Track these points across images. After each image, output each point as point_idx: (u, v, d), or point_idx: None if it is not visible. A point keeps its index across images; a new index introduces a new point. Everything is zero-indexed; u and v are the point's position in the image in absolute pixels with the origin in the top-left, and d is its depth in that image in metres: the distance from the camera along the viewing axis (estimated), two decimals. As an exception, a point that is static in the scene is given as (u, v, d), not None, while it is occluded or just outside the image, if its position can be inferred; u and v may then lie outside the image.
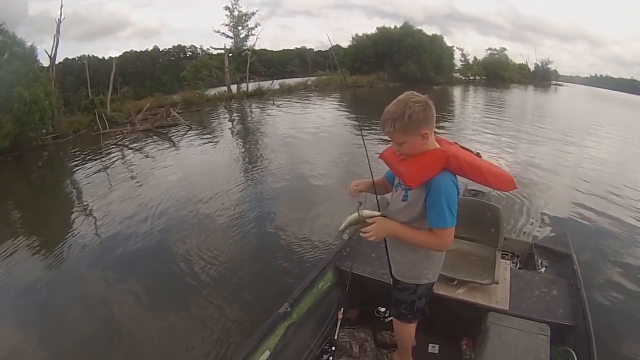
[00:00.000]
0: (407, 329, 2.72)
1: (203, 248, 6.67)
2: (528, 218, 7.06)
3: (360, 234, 2.18)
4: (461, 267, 3.31)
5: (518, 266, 3.95)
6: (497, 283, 3.10)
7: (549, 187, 9.00)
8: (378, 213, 2.31)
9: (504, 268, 3.42)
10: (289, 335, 2.97)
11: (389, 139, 2.13)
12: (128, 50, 50.12)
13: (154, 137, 19.12)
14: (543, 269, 3.71)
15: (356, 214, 2.32)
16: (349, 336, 3.27)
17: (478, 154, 2.31)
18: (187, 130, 19.78)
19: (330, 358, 2.98)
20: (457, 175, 2.13)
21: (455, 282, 3.18)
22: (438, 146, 2.13)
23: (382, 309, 3.57)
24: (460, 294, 3.12)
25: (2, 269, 6.77)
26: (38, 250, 7.54)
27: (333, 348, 3.05)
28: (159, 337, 4.65)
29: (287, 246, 6.49)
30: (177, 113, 22.64)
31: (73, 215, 9.53)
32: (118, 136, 19.79)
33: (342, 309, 3.29)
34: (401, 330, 2.77)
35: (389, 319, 3.32)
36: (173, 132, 19.79)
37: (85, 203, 10.72)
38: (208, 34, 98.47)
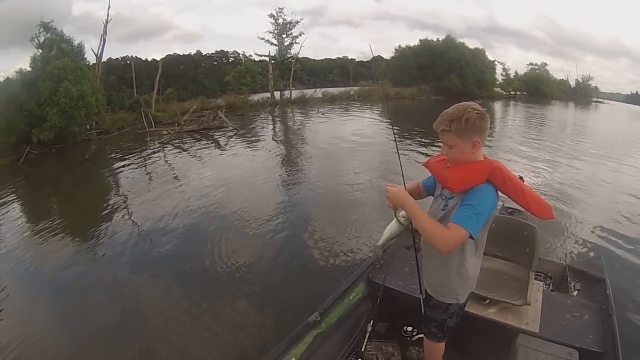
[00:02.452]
0: (437, 348, 2.61)
1: (236, 250, 6.63)
2: (563, 239, 6.71)
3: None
4: (494, 286, 3.21)
5: (551, 288, 3.84)
6: (530, 304, 3.01)
7: (586, 209, 8.53)
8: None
9: (537, 290, 3.35)
10: (316, 344, 2.96)
11: (440, 140, 2.11)
12: (171, 53, 51.10)
13: (200, 138, 19.20)
14: (576, 293, 3.63)
15: (393, 223, 2.38)
16: (377, 349, 3.21)
17: (521, 178, 2.30)
18: (234, 134, 19.75)
19: None
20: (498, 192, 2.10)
21: (488, 301, 3.10)
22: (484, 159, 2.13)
23: (410, 329, 3.33)
24: (491, 313, 3.07)
25: (39, 254, 7.07)
26: (76, 239, 7.81)
27: None
28: (183, 335, 4.60)
29: (320, 254, 6.36)
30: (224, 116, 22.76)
31: (114, 208, 9.70)
32: (164, 135, 19.97)
33: (372, 321, 3.25)
34: (430, 349, 2.66)
35: (416, 338, 3.25)
36: (219, 135, 19.80)
37: (127, 197, 10.80)
38: (249, 41, 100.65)
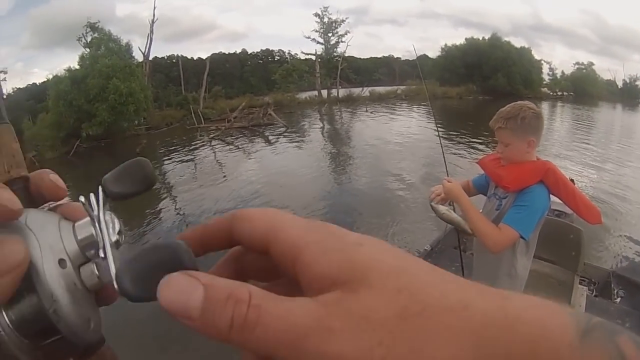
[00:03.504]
0: None
1: None
2: (608, 244, 6.53)
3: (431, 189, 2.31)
4: (538, 287, 3.19)
5: (594, 293, 3.78)
6: (572, 308, 1.66)
7: (632, 215, 8.28)
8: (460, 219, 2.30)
9: (580, 294, 3.36)
10: None
11: (497, 138, 2.12)
12: (216, 52, 51.03)
13: (249, 134, 19.34)
14: (619, 299, 3.57)
15: (447, 207, 2.33)
16: None
17: (572, 180, 2.32)
18: (283, 130, 19.75)
19: None
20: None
21: None
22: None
23: None
24: None
25: None
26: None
27: None
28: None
29: None
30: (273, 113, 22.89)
31: (161, 199, 10.02)
32: (213, 131, 20.22)
33: None
34: None
35: None
36: (268, 131, 19.83)
37: (175, 188, 11.12)
38: (294, 39, 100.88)
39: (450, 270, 1.10)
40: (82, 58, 21.42)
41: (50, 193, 0.34)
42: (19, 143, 0.35)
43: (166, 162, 14.62)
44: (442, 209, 2.29)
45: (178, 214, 9.00)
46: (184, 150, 16.62)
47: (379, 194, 9.33)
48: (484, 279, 1.75)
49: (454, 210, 2.38)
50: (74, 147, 18.29)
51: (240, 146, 16.74)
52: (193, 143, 18.01)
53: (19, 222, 0.29)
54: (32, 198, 0.34)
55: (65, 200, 0.35)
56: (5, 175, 0.33)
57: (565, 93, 45.62)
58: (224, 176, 11.94)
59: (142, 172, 0.37)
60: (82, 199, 0.32)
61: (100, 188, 0.34)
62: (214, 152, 16.18)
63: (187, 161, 14.63)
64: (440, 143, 2.87)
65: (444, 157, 2.74)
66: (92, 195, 0.33)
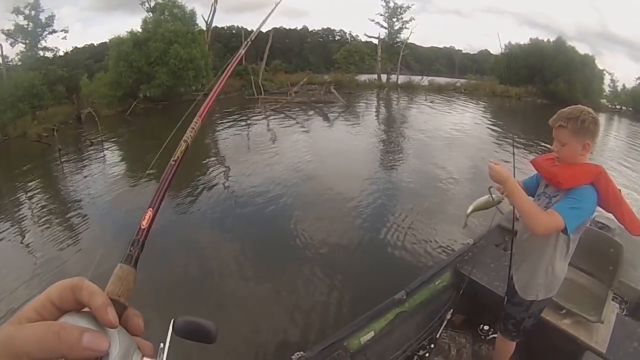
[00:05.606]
0: (508, 346, 2.69)
1: (322, 225, 6.70)
2: None
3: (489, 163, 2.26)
4: (572, 297, 3.10)
5: (624, 312, 3.64)
6: (602, 323, 2.92)
7: None
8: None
9: (612, 310, 3.22)
10: (396, 322, 3.13)
11: (554, 136, 2.16)
12: (277, 26, 50.39)
13: (308, 110, 19.13)
14: None
15: (485, 197, 2.43)
16: (450, 338, 3.28)
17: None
18: (343, 110, 19.45)
19: (427, 354, 3.13)
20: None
21: (564, 311, 3.04)
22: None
23: (486, 327, 3.42)
24: (564, 324, 3.00)
25: (131, 195, 8.06)
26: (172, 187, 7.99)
27: (432, 345, 3.16)
28: (261, 299, 4.75)
29: (408, 238, 6.31)
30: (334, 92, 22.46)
31: (211, 166, 10.40)
32: (272, 103, 20.16)
33: (452, 310, 3.33)
34: (502, 347, 2.74)
35: (490, 337, 3.34)
36: (327, 109, 19.50)
37: (228, 155, 11.60)
38: (354, 20, 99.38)
39: (490, 267, 3.71)
40: (145, 22, 21.79)
41: (134, 329, 0.51)
42: (133, 280, 0.52)
43: (223, 128, 14.83)
44: (500, 196, 2.36)
45: (227, 181, 9.31)
46: (240, 118, 16.73)
47: (426, 184, 9.18)
48: (524, 275, 2.42)
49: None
50: (131, 106, 18.86)
51: (298, 120, 16.65)
52: (250, 113, 18.25)
53: (112, 331, 0.45)
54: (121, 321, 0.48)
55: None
56: (116, 296, 0.49)
57: (624, 107, 43.12)
58: (277, 148, 12.07)
59: (206, 332, 0.55)
60: (161, 345, 0.50)
61: (170, 326, 0.54)
62: (270, 124, 16.39)
63: (242, 129, 14.97)
64: (513, 146, 3.10)
65: (513, 157, 2.84)
66: (162, 346, 0.50)
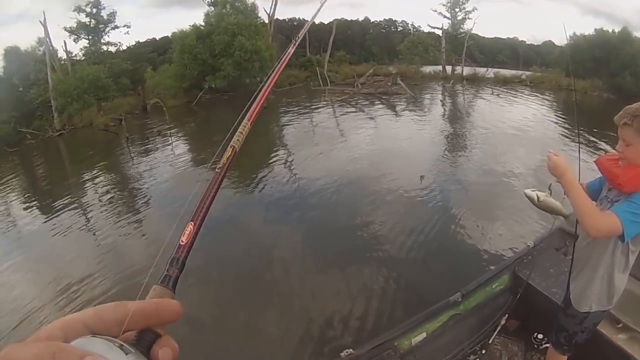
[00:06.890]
0: (559, 359, 2.57)
1: (382, 220, 6.64)
2: None
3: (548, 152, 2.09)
4: (631, 311, 2.90)
5: None
6: None
7: None
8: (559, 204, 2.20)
9: None
10: (449, 324, 3.03)
11: (618, 135, 1.94)
12: (338, 17, 50.33)
13: (374, 101, 18.86)
14: None
15: (533, 194, 2.17)
16: (502, 345, 3.20)
17: None
18: (410, 101, 19.08)
19: None
20: None
21: (620, 325, 2.86)
22: None
23: (540, 336, 3.21)
24: (619, 339, 2.80)
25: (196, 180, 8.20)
26: (234, 174, 8.57)
27: (483, 351, 3.07)
28: (317, 289, 4.90)
29: (467, 237, 6.19)
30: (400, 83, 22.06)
31: (275, 155, 10.61)
32: (338, 94, 20.11)
33: (507, 315, 3.20)
34: (552, 359, 2.63)
35: (543, 347, 3.15)
36: (393, 101, 19.20)
37: (293, 145, 11.58)
38: (416, 11, 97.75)
39: (548, 272, 3.42)
40: (207, 15, 22.17)
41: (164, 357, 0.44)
42: None
43: (289, 118, 15.04)
44: (539, 194, 2.16)
45: (291, 168, 9.55)
46: (306, 109, 16.96)
47: (489, 182, 8.99)
48: (580, 284, 2.22)
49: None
50: (197, 97, 19.51)
51: (366, 112, 16.49)
52: (316, 104, 18.45)
53: (126, 357, 0.39)
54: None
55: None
56: (158, 327, 0.44)
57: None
58: (346, 139, 12.12)
59: None
60: None
61: None
62: (337, 115, 16.30)
63: (308, 119, 15.14)
64: (579, 140, 3.24)
65: (579, 152, 2.54)
66: None
